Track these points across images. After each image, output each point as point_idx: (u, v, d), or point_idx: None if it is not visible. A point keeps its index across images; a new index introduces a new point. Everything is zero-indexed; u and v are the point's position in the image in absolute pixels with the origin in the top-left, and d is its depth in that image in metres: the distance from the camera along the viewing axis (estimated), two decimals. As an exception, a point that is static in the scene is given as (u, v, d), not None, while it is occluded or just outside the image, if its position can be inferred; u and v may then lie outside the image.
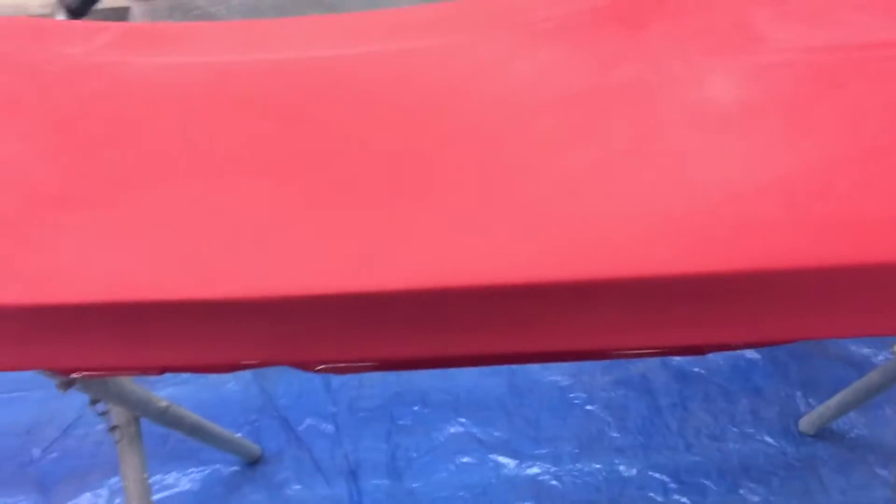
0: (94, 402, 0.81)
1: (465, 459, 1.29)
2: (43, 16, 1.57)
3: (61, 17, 0.83)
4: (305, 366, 0.55)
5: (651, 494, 1.25)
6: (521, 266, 0.48)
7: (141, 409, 0.87)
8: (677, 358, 1.38)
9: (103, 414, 0.83)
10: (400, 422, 1.35)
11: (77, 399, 0.91)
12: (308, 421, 1.35)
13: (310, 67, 0.54)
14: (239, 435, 1.30)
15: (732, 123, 0.52)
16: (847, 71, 0.53)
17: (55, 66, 0.55)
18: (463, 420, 1.35)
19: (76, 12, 0.83)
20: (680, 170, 0.50)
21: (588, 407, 1.36)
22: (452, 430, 1.33)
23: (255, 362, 0.54)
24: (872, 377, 1.08)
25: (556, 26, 0.55)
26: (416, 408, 1.36)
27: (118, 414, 0.86)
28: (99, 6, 0.85)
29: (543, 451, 1.30)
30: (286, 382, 1.39)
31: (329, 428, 1.34)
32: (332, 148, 0.51)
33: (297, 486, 1.26)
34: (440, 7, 0.59)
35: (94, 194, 0.50)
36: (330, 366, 0.55)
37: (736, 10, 0.56)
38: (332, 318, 0.51)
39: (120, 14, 1.59)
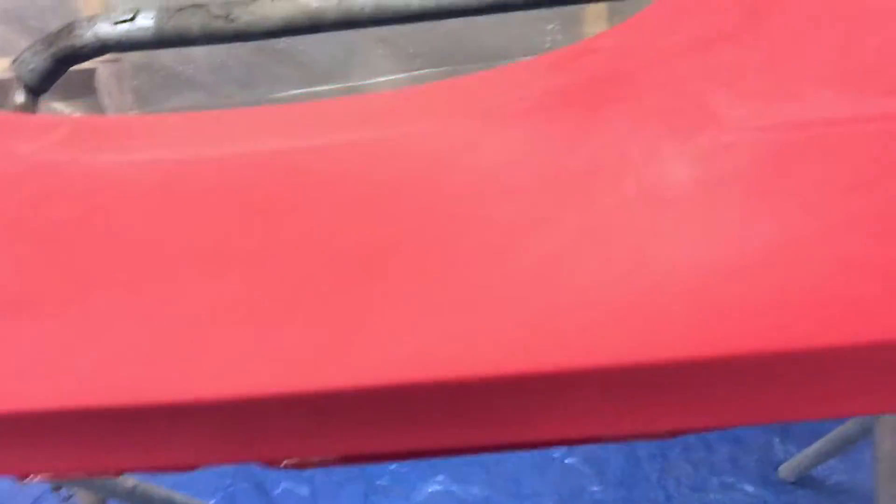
0: (56, 487, 0.79)
1: (445, 519, 1.27)
2: (4, 80, 1.55)
3: (20, 94, 0.82)
4: (270, 464, 0.53)
5: (633, 550, 1.24)
6: (489, 358, 0.47)
7: (107, 492, 0.84)
8: (655, 408, 1.37)
9: (67, 500, 0.81)
10: (377, 482, 1.33)
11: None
12: (284, 485, 1.32)
13: (269, 161, 0.53)
14: (213, 502, 1.27)
15: (694, 206, 0.52)
16: (804, 149, 0.53)
17: (5, 167, 0.54)
18: (441, 478, 1.33)
19: (36, 90, 0.83)
20: (645, 254, 0.50)
21: (567, 461, 1.35)
22: (431, 489, 1.31)
23: (216, 461, 0.53)
24: (849, 427, 1.08)
25: (517, 110, 0.55)
26: (393, 466, 1.35)
27: (83, 497, 0.84)
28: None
29: (524, 509, 1.28)
30: (261, 446, 1.36)
31: (305, 491, 1.31)
32: (292, 243, 0.51)
33: (273, 554, 1.24)
34: (401, 94, 0.59)
35: (46, 298, 0.49)
36: (295, 461, 0.53)
37: (692, 89, 0.56)
38: (295, 417, 0.50)
39: (86, 76, 1.59)
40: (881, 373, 0.51)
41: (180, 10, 0.83)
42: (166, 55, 1.63)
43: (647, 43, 0.60)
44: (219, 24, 0.83)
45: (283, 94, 1.66)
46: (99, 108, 1.67)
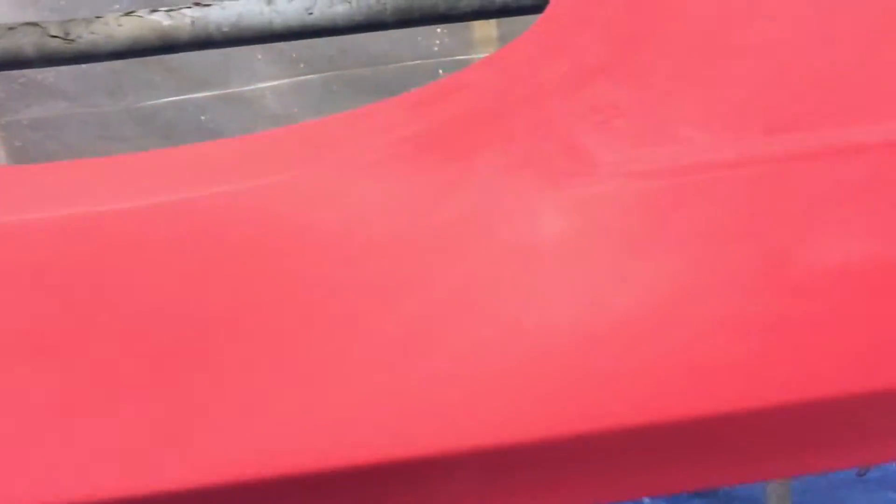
0: None
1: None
2: None
3: None
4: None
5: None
6: (344, 447, 0.42)
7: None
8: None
9: None
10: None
11: None
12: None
13: (92, 224, 0.46)
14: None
15: (567, 262, 0.48)
16: (682, 196, 0.50)
17: None
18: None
19: None
20: (514, 318, 0.46)
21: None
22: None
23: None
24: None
25: (378, 157, 0.50)
26: None
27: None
28: None
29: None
30: None
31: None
32: (117, 322, 0.44)
33: None
34: (255, 140, 0.52)
35: None
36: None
37: (565, 132, 0.52)
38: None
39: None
40: (775, 440, 0.48)
41: (11, 28, 0.74)
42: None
43: (520, 77, 0.56)
44: (56, 45, 0.74)
45: (155, 101, 1.56)
46: (-51, 119, 1.53)
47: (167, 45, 0.76)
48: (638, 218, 0.49)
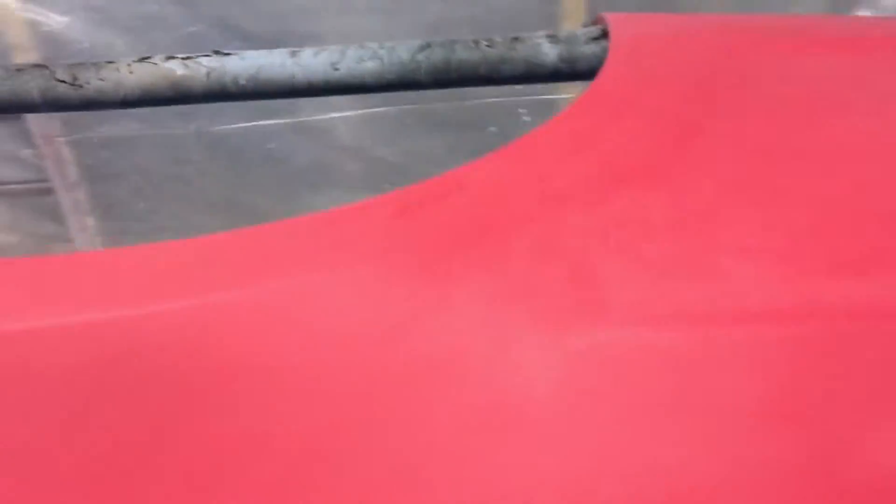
0: None
1: None
2: None
3: None
4: None
5: None
6: None
7: None
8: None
9: None
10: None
11: None
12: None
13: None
14: None
15: (558, 431, 0.38)
16: (712, 355, 0.39)
17: None
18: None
19: None
20: (485, 498, 0.37)
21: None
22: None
23: None
24: None
25: (342, 277, 0.41)
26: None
27: None
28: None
29: None
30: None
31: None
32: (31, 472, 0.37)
33: None
34: (198, 246, 0.43)
35: None
36: None
37: (575, 256, 0.42)
38: None
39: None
40: None
41: (19, 69, 0.69)
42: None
43: (532, 179, 0.47)
44: (63, 90, 0.69)
45: (224, 127, 1.53)
46: (26, 131, 1.55)
47: (180, 96, 0.70)
48: (654, 382, 0.38)
